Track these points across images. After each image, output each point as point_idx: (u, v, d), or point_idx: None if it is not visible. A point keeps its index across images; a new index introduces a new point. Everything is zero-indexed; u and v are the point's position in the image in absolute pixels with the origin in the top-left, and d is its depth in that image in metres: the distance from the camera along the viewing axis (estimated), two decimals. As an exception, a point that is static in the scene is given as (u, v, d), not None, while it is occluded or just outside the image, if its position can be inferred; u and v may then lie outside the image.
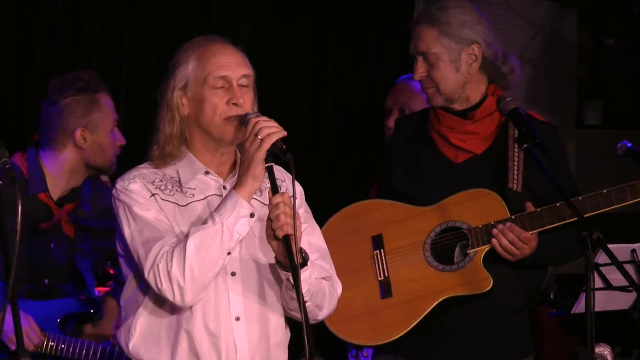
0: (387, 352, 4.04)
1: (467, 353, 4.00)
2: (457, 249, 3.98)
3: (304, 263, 3.33)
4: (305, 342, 3.15)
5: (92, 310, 4.45)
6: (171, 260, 3.30)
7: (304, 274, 3.34)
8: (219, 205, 3.36)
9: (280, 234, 3.23)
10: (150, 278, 3.33)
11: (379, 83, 6.34)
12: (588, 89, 7.43)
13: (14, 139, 5.13)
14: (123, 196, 3.43)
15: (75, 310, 4.43)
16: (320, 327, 3.81)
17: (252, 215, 3.36)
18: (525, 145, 3.71)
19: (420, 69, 4.06)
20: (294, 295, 3.35)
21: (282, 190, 3.43)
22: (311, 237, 3.57)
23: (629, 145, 4.11)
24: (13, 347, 4.20)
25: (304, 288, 3.34)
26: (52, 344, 4.30)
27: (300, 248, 3.30)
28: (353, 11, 6.48)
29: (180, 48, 3.51)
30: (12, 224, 2.82)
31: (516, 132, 4.00)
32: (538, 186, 3.99)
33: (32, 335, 4.25)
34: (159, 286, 3.32)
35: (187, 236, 3.33)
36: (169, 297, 3.32)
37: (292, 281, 3.26)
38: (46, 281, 4.45)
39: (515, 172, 3.99)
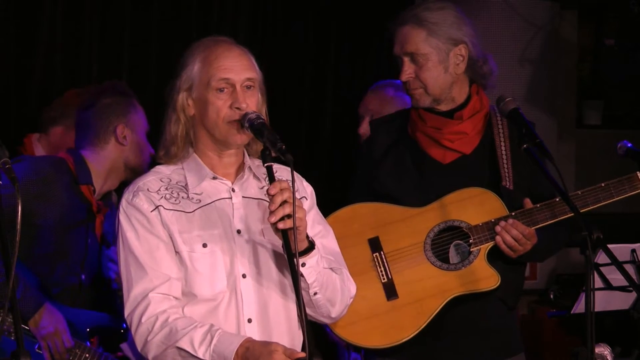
0: (383, 356, 4.01)
1: (465, 353, 4.00)
2: (451, 248, 3.97)
3: (312, 247, 3.33)
4: (305, 342, 3.15)
5: (122, 331, 4.42)
6: (154, 336, 3.32)
7: (312, 259, 3.34)
8: (220, 345, 3.28)
9: (281, 227, 3.23)
10: (128, 320, 3.37)
11: (379, 83, 6.34)
12: (588, 89, 7.43)
13: (14, 139, 5.14)
14: (124, 213, 3.43)
15: (107, 325, 4.42)
16: (318, 326, 3.80)
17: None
18: (525, 146, 3.70)
19: (408, 70, 4.02)
20: (307, 290, 3.36)
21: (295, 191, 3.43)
22: (325, 240, 3.56)
23: (629, 145, 4.11)
24: (43, 344, 4.22)
25: (312, 277, 3.35)
26: (78, 351, 4.31)
27: (307, 235, 3.29)
28: (353, 11, 6.48)
29: (189, 48, 3.50)
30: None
31: (501, 130, 4.00)
32: (524, 183, 3.99)
33: (67, 337, 4.26)
34: (133, 334, 3.37)
35: (180, 331, 3.29)
36: (136, 344, 3.38)
37: (300, 272, 3.25)
38: (83, 277, 4.46)
39: (506, 170, 3.99)
